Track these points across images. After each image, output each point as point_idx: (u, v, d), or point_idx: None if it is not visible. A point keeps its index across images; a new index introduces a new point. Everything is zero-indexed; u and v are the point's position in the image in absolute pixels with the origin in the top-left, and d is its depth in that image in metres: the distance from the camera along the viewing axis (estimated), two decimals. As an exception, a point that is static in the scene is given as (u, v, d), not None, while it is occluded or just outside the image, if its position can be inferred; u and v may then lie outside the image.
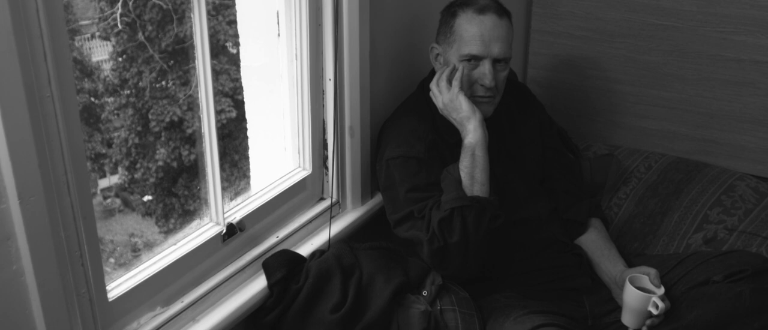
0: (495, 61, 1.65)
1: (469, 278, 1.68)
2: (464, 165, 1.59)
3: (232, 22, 5.51)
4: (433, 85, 1.69)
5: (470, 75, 1.66)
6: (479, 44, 1.63)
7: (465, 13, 1.65)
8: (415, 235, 1.61)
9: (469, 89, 1.67)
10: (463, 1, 1.68)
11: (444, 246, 1.55)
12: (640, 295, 1.52)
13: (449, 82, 1.65)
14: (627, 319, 1.57)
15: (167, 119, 6.19)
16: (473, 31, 1.63)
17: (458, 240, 1.54)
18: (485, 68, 1.64)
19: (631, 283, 1.55)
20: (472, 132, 1.60)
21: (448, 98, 1.64)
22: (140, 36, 6.05)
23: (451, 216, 1.54)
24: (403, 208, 1.63)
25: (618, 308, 1.63)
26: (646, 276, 1.57)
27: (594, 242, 1.77)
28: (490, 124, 1.75)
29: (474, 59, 1.65)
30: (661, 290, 1.53)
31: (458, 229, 1.54)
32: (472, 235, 1.54)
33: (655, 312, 1.50)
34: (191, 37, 1.44)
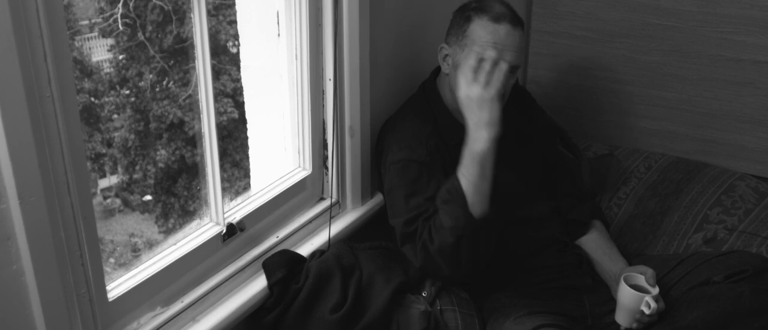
0: None
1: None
2: (471, 173, 1.51)
3: (232, 22, 5.51)
4: (466, 71, 1.55)
5: None
6: (492, 51, 1.60)
7: (480, 19, 1.62)
8: (409, 249, 1.61)
9: None
10: (478, 7, 1.65)
11: (437, 267, 1.57)
12: (633, 294, 1.52)
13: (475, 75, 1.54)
14: (620, 317, 1.57)
15: (167, 119, 6.20)
16: (487, 38, 1.60)
17: (451, 267, 1.56)
18: None
19: (627, 281, 1.55)
20: (485, 141, 1.51)
21: (478, 95, 1.53)
22: (140, 36, 6.06)
23: (457, 244, 1.52)
24: (402, 214, 1.63)
25: (618, 308, 1.63)
26: (642, 275, 1.57)
27: (595, 242, 1.77)
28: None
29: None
30: (656, 290, 1.53)
31: (454, 255, 1.54)
32: (466, 260, 1.55)
33: (647, 311, 1.50)
34: (191, 37, 1.44)
